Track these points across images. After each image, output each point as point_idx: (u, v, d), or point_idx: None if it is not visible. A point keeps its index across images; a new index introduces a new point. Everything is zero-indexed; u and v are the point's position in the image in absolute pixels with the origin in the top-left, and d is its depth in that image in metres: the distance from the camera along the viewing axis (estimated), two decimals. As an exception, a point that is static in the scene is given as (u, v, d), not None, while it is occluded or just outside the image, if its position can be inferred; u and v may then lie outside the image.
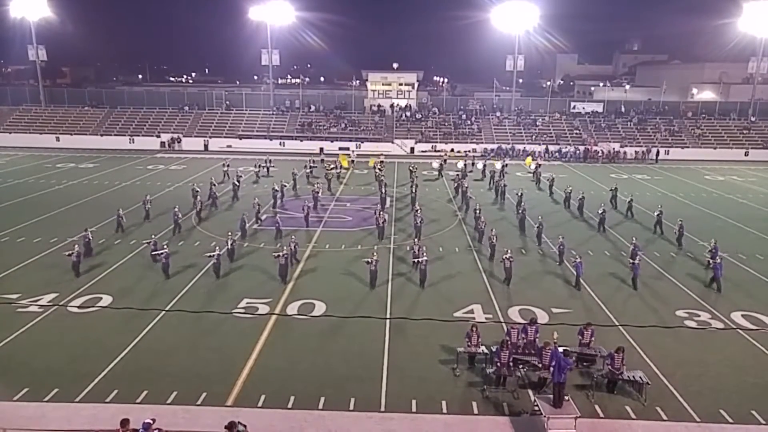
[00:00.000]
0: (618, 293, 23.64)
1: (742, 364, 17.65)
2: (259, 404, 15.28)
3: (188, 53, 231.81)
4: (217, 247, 26.12)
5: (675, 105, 75.38)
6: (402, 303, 22.49)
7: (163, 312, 20.64)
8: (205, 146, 65.97)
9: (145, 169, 52.51)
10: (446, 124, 70.50)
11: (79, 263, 24.70)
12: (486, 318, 20.87)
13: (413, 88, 76.21)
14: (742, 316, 21.43)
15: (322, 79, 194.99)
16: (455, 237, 31.65)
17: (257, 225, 32.73)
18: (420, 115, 72.03)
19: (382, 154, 55.86)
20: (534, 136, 67.48)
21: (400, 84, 75.94)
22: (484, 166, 49.85)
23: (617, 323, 20.13)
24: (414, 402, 15.47)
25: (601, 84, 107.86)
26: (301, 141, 66.66)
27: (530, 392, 15.89)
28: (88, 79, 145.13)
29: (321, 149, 62.16)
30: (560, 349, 15.19)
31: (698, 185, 48.26)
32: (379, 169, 45.50)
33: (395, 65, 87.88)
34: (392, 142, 66.24)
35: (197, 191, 36.35)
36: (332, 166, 47.21)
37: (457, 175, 44.62)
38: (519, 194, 36.89)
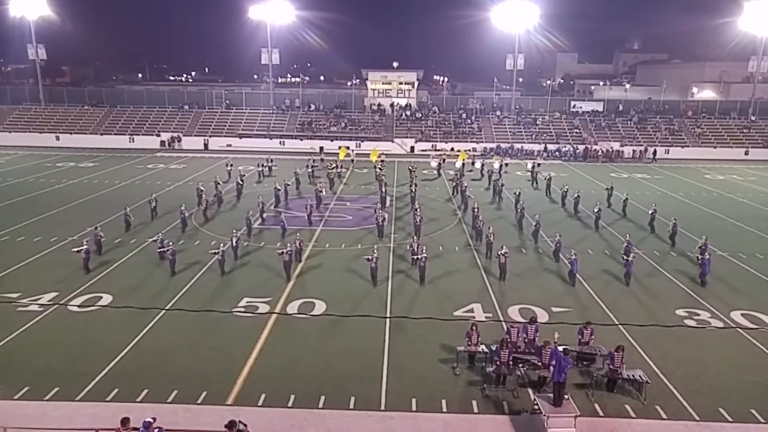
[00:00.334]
0: (618, 292, 23.66)
1: (741, 363, 17.67)
2: (260, 403, 15.30)
3: (188, 52, 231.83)
4: (222, 244, 26.27)
5: (675, 104, 75.31)
6: (402, 300, 22.59)
7: (164, 311, 20.67)
8: (205, 145, 65.95)
9: (145, 168, 52.51)
10: (446, 123, 70.48)
11: (89, 260, 24.96)
12: (486, 317, 20.88)
13: (413, 87, 76.12)
14: (742, 315, 21.44)
15: (322, 78, 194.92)
16: (455, 236, 31.67)
17: (259, 223, 32.81)
18: (420, 114, 72.00)
19: (383, 154, 55.80)
20: (534, 136, 67.45)
21: (400, 83, 75.85)
22: (483, 165, 49.83)
23: (617, 322, 20.14)
24: (414, 401, 15.49)
25: (602, 83, 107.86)
26: (301, 140, 66.64)
27: (530, 391, 15.91)
28: (87, 78, 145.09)
29: (321, 148, 62.18)
30: (560, 348, 15.22)
31: (698, 184, 48.27)
32: (379, 168, 45.55)
33: (395, 64, 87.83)
34: (392, 141, 66.23)
35: (202, 190, 36.47)
36: (334, 165, 47.23)
37: (456, 174, 44.72)
38: (517, 193, 36.97)
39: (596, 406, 15.39)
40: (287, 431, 14.23)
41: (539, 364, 16.18)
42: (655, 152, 62.32)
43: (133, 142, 66.62)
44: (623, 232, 30.79)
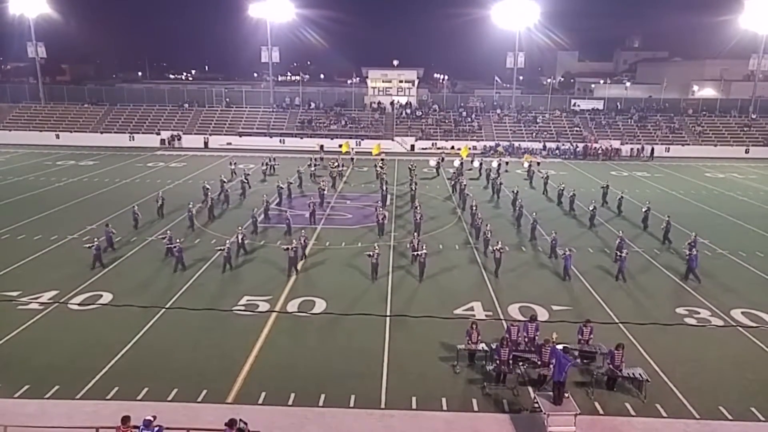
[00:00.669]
0: (618, 290, 23.67)
1: (741, 361, 17.67)
2: (260, 401, 15.31)
3: (188, 50, 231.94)
4: (227, 240, 26.43)
5: (675, 102, 75.21)
6: (402, 295, 22.76)
7: (164, 309, 20.67)
8: (205, 143, 65.89)
9: (145, 166, 52.48)
10: (446, 121, 70.41)
11: (100, 256, 25.19)
12: (486, 315, 20.89)
13: (413, 85, 76.06)
14: (742, 313, 21.44)
15: (322, 76, 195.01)
16: (455, 234, 31.68)
17: (263, 219, 32.92)
18: (420, 113, 71.93)
19: (382, 153, 55.75)
20: (534, 134, 67.39)
21: (401, 81, 75.78)
22: (481, 164, 49.82)
23: (617, 320, 20.15)
24: (414, 399, 15.50)
25: (602, 81, 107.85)
26: (301, 138, 66.59)
27: (530, 389, 15.91)
28: (87, 77, 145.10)
29: (321, 146, 62.21)
30: (559, 347, 15.23)
31: (698, 182, 48.24)
32: (380, 167, 45.56)
33: (395, 62, 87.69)
34: (392, 140, 66.18)
35: (208, 188, 36.59)
36: (336, 164, 47.22)
37: (454, 173, 44.74)
38: (514, 192, 37.05)
39: (596, 404, 15.40)
40: (287, 429, 14.24)
41: (539, 362, 16.19)
42: (652, 150, 62.26)
43: (133, 140, 66.58)
44: (618, 229, 30.82)
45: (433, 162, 51.82)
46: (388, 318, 20.24)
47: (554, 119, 70.94)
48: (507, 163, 53.50)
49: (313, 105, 73.70)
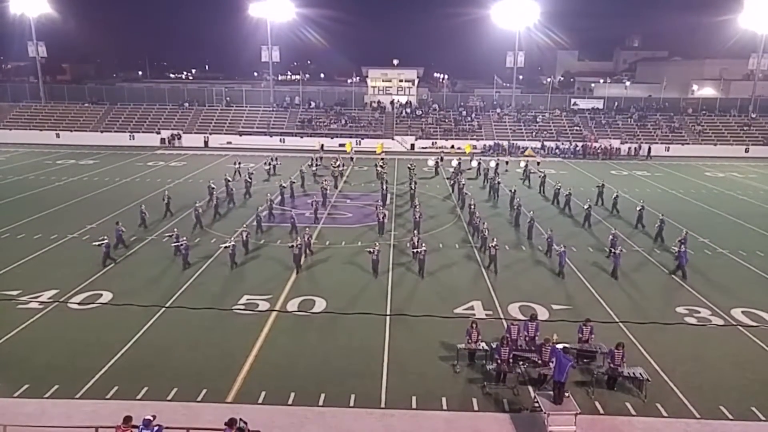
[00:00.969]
0: (618, 290, 23.65)
1: (742, 360, 17.65)
2: (260, 401, 15.29)
3: (188, 50, 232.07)
4: (232, 238, 26.59)
5: (675, 101, 75.19)
6: (402, 292, 22.88)
7: (164, 309, 20.65)
8: (205, 143, 65.86)
9: (145, 165, 52.45)
10: (446, 120, 70.39)
11: (109, 254, 25.33)
12: (486, 314, 20.86)
13: (413, 84, 76.04)
14: (743, 312, 21.41)
15: (322, 75, 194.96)
16: (454, 233, 31.68)
17: (266, 217, 32.92)
18: (420, 112, 71.91)
19: (383, 152, 55.76)
20: (534, 133, 67.38)
21: (401, 80, 75.77)
22: (479, 163, 49.78)
23: (617, 320, 20.14)
24: (414, 398, 15.48)
25: (602, 80, 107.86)
26: (302, 137, 66.56)
27: (530, 389, 15.89)
28: (88, 76, 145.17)
29: (322, 146, 62.12)
30: (559, 346, 15.21)
31: (698, 182, 48.22)
32: (381, 166, 45.57)
33: (395, 61, 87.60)
34: (392, 139, 66.17)
35: (213, 188, 36.68)
36: (338, 163, 47.19)
37: (453, 173, 44.73)
38: (512, 191, 37.08)
39: (597, 403, 15.37)
40: (287, 429, 14.22)
41: (539, 361, 16.17)
42: (649, 149, 62.25)
43: (134, 139, 66.56)
44: (613, 228, 30.81)
45: (431, 162, 51.78)
46: (388, 317, 20.22)
47: (554, 118, 70.92)
48: (507, 162, 53.49)
49: (313, 104, 73.67)
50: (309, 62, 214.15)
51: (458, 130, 68.26)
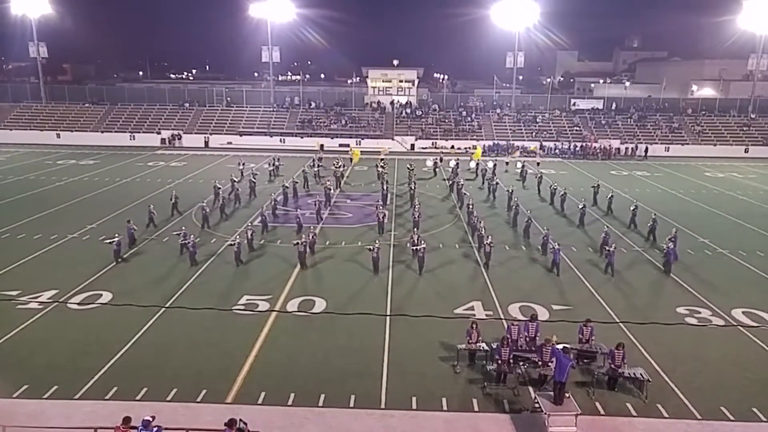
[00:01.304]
0: (618, 290, 23.64)
1: (742, 360, 17.64)
2: (260, 401, 15.27)
3: (189, 50, 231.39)
4: (237, 236, 26.85)
5: (675, 102, 75.17)
6: (402, 291, 22.98)
7: (163, 309, 20.63)
8: (206, 143, 65.85)
9: (145, 165, 52.43)
10: (446, 120, 70.37)
11: (120, 251, 25.63)
12: (486, 315, 20.84)
13: (413, 84, 75.99)
14: (743, 313, 21.40)
15: (322, 75, 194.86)
16: (454, 233, 31.68)
17: (270, 217, 33.02)
18: (420, 112, 71.90)
19: (382, 153, 55.74)
20: (534, 133, 67.37)
21: (401, 81, 75.71)
22: (477, 164, 49.72)
23: (618, 320, 20.12)
24: (414, 399, 15.46)
25: (601, 81, 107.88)
26: (302, 138, 66.57)
27: (531, 389, 15.88)
28: (88, 76, 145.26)
29: (321, 146, 62.05)
30: (559, 347, 15.19)
31: (698, 182, 48.20)
32: (381, 166, 45.59)
33: (395, 62, 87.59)
34: (392, 139, 66.15)
35: (219, 188, 36.81)
36: (340, 163, 47.16)
37: (452, 173, 44.71)
38: (510, 191, 37.09)
39: (597, 404, 15.35)
40: (287, 429, 14.20)
41: (540, 362, 16.15)
42: (646, 149, 62.26)
43: (134, 139, 66.55)
44: (607, 227, 30.86)
45: (430, 162, 51.74)
46: (388, 317, 20.20)
47: (554, 119, 70.90)
48: (507, 163, 53.45)
49: (313, 104, 73.66)
50: (309, 62, 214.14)
51: (458, 131, 68.24)
